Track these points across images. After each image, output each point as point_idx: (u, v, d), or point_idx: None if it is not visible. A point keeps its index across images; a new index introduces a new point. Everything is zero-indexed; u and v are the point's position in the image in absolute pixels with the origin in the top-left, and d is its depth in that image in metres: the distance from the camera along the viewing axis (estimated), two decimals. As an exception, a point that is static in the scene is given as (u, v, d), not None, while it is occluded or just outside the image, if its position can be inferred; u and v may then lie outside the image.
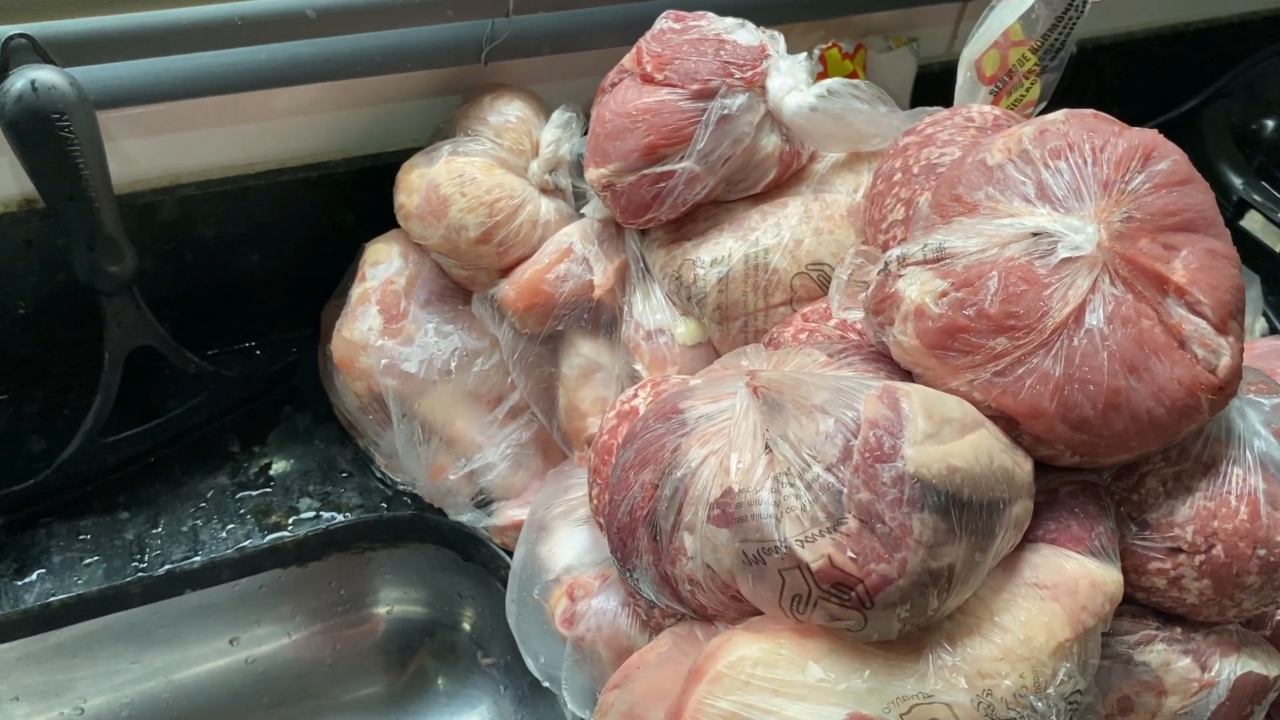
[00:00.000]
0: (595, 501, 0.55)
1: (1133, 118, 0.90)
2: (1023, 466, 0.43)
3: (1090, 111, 0.49)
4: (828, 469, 0.40)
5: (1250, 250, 0.84)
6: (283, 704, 0.71)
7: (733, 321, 0.60)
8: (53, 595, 0.62)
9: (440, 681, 0.72)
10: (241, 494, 0.68)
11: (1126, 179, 0.45)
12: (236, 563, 0.66)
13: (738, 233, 0.60)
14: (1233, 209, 0.86)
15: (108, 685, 0.68)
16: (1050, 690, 0.40)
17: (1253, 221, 0.86)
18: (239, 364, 0.73)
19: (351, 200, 0.71)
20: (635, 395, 0.57)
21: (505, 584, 0.64)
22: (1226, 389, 0.45)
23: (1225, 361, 0.44)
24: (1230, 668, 0.47)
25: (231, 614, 0.69)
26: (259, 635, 0.70)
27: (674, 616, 0.47)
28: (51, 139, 0.54)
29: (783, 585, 0.40)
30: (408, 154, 0.66)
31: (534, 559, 0.60)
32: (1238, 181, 0.86)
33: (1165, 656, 0.47)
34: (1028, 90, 0.63)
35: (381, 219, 0.68)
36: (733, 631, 0.41)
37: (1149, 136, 0.47)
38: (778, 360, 0.49)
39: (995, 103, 0.64)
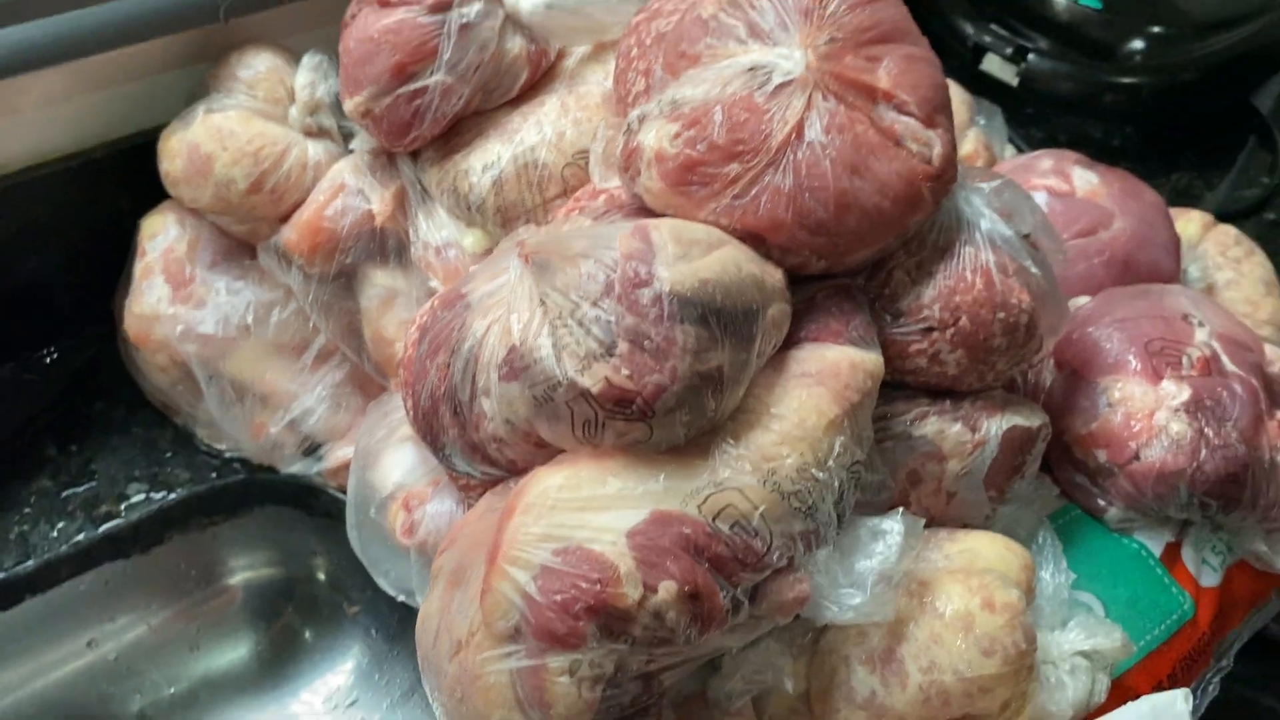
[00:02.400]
0: (410, 408, 0.57)
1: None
2: (772, 274, 0.47)
3: (785, -47, 0.53)
4: (594, 304, 0.42)
5: (991, 87, 0.91)
6: (155, 692, 0.71)
7: (515, 222, 0.62)
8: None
9: (308, 635, 0.73)
10: (66, 492, 0.67)
11: (824, 5, 0.49)
12: (74, 558, 0.65)
13: (503, 136, 0.63)
14: (970, 54, 0.93)
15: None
16: (830, 462, 0.44)
17: (990, 63, 0.93)
18: (39, 371, 0.72)
19: (123, 184, 0.70)
20: (431, 307, 0.59)
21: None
22: (943, 176, 0.49)
23: (938, 151, 0.49)
24: (997, 425, 0.52)
25: (83, 615, 0.69)
26: (116, 630, 0.70)
27: (493, 485, 0.50)
28: None
29: (573, 416, 0.42)
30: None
31: (366, 484, 0.61)
32: (970, 29, 0.93)
33: (939, 426, 0.51)
34: (743, -43, 0.67)
35: (159, 197, 0.68)
36: (536, 470, 0.44)
37: (838, -35, 0.51)
38: (548, 230, 0.51)
39: (718, -24, 0.67)
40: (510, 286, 0.47)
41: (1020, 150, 0.88)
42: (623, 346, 0.42)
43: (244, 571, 0.72)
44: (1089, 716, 0.48)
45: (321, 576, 0.73)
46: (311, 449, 0.67)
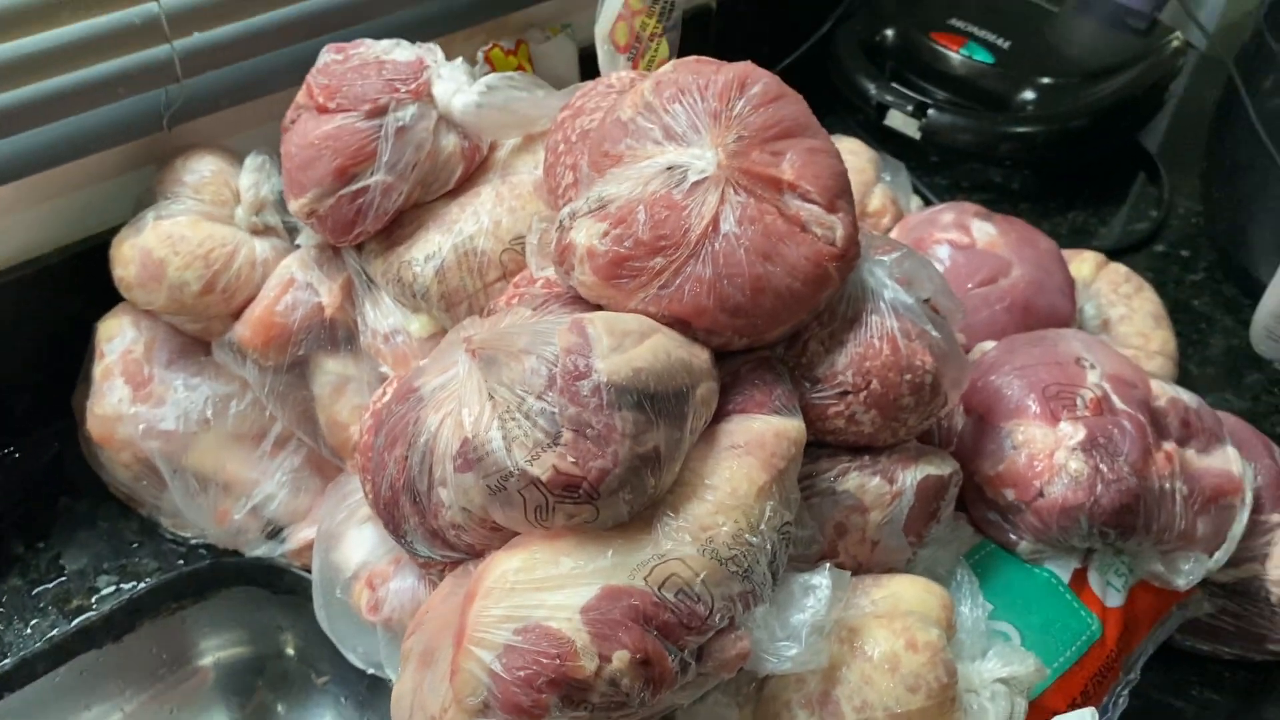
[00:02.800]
0: (370, 496, 0.61)
1: (776, 53, 1.01)
2: (699, 356, 0.51)
3: (693, 58, 0.58)
4: (539, 397, 0.47)
5: (896, 142, 0.97)
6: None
7: (458, 306, 0.66)
8: None
9: (281, 709, 0.75)
10: (37, 589, 0.69)
11: (730, 107, 0.54)
12: (49, 654, 0.67)
13: (442, 227, 0.67)
14: (874, 111, 1.00)
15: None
16: (762, 526, 0.49)
17: (894, 119, 0.99)
18: (2, 470, 0.74)
19: (77, 287, 0.73)
20: (384, 393, 0.63)
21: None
22: (847, 255, 0.54)
23: (841, 233, 0.54)
24: (912, 476, 0.57)
25: (60, 707, 0.71)
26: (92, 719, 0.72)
27: (454, 567, 0.54)
28: None
29: (525, 502, 0.47)
30: (118, 230, 0.70)
31: (330, 565, 0.65)
32: (874, 89, 0.99)
33: (860, 480, 0.56)
34: (656, 50, 0.72)
35: (111, 298, 0.71)
36: (493, 554, 0.48)
37: (742, 68, 0.56)
38: (491, 324, 0.56)
39: (634, 67, 0.73)
40: (460, 380, 0.51)
41: (926, 199, 0.94)
42: (567, 435, 0.46)
43: (215, 652, 0.75)
44: (1009, 739, 0.53)
45: (290, 651, 0.76)
46: (274, 532, 0.70)
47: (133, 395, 0.67)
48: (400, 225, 0.68)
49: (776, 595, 0.50)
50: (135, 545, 0.72)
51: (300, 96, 0.67)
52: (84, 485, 0.74)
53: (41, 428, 0.76)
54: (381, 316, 0.68)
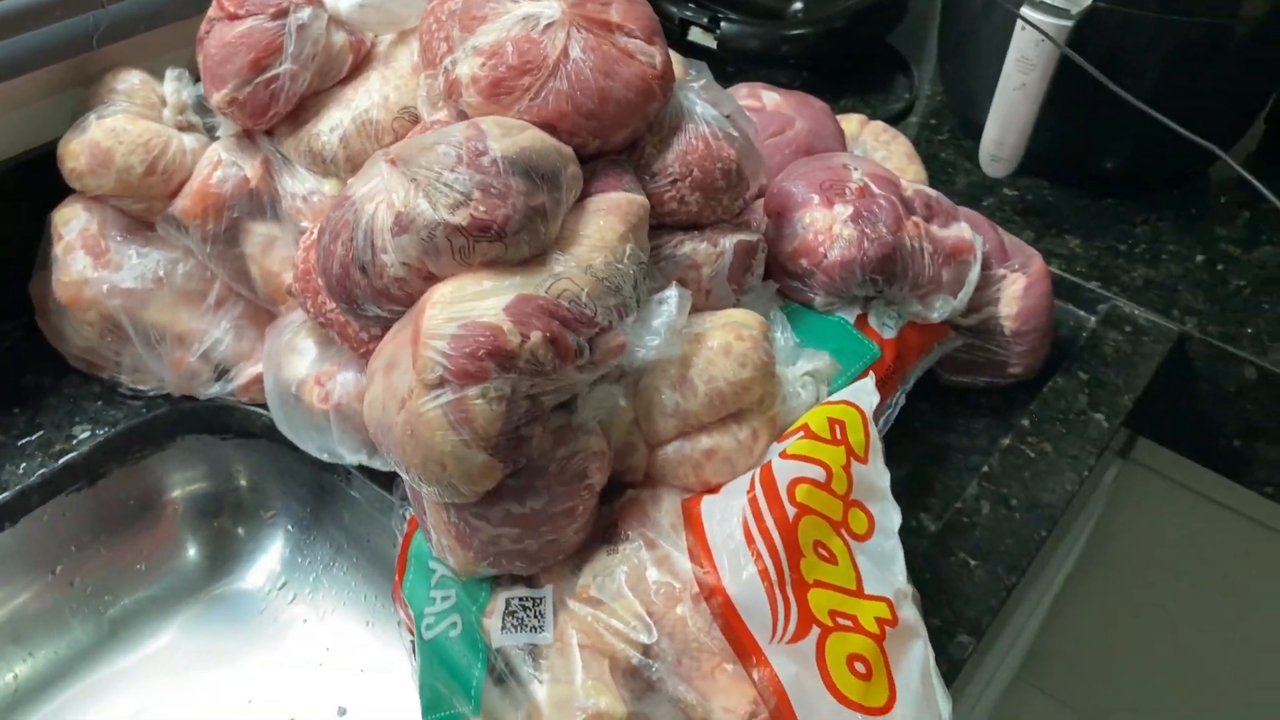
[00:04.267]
0: (324, 282, 0.76)
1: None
2: (564, 149, 0.69)
3: (533, -58, 0.76)
4: (451, 170, 0.64)
5: (698, 53, 1.18)
6: (118, 603, 0.85)
7: (361, 167, 0.82)
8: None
9: (241, 533, 0.89)
10: (21, 441, 0.81)
11: (566, -28, 0.72)
12: (40, 487, 0.79)
13: (341, 105, 0.82)
14: (679, 29, 1.20)
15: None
16: (625, 259, 0.67)
17: (694, 34, 1.20)
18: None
19: (22, 195, 0.85)
20: (310, 233, 0.78)
21: (262, 440, 0.84)
22: (665, 76, 0.73)
23: (659, 59, 0.73)
24: (730, 240, 0.76)
25: (48, 544, 0.83)
26: (76, 557, 0.84)
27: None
28: None
29: (451, 247, 0.63)
30: (55, 142, 0.82)
31: (281, 381, 0.80)
32: (675, 9, 1.20)
33: (692, 246, 0.75)
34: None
35: (53, 201, 0.83)
36: (431, 288, 0.64)
37: (571, -54, 0.74)
38: (403, 142, 0.72)
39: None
40: (384, 180, 0.67)
41: (726, 91, 1.14)
42: (477, 194, 0.63)
43: (178, 488, 0.88)
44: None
45: (244, 483, 0.89)
46: (223, 373, 0.84)
47: (94, 263, 0.81)
48: (304, 109, 0.84)
49: (640, 311, 0.68)
50: (100, 403, 0.85)
51: (211, 10, 0.82)
52: (45, 364, 0.86)
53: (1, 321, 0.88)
54: (298, 183, 0.83)
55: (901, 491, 0.71)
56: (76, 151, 0.80)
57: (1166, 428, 1.04)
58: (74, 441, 0.82)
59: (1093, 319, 0.98)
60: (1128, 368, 0.92)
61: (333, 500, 0.87)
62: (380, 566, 0.86)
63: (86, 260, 0.81)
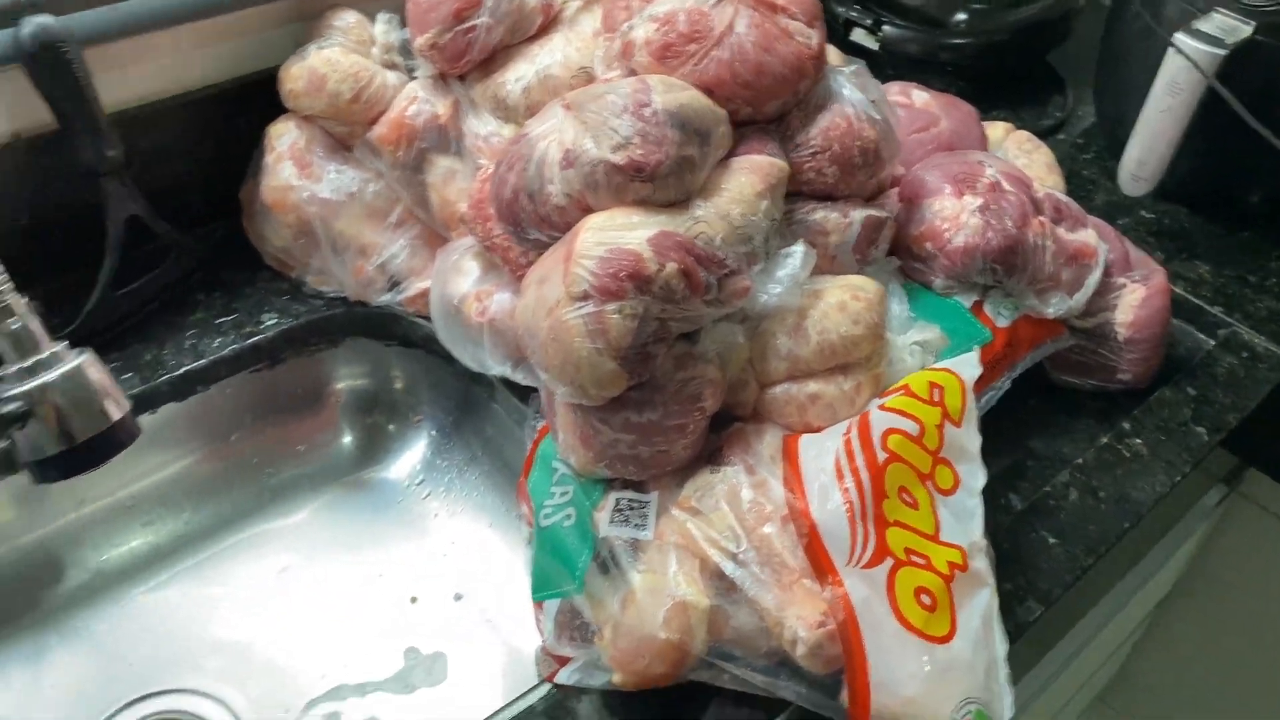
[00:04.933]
0: (481, 234, 0.86)
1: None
2: (718, 110, 0.77)
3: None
4: (617, 117, 0.72)
5: (859, 54, 1.24)
6: (278, 475, 0.97)
7: (536, 117, 0.92)
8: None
9: (391, 428, 1.00)
10: (219, 320, 0.94)
11: (741, -45, 0.80)
12: (230, 361, 0.92)
13: (527, 60, 0.92)
14: (842, 29, 1.26)
15: (130, 476, 0.93)
16: (759, 214, 0.74)
17: (857, 34, 1.26)
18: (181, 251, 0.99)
19: (244, 109, 0.98)
20: (486, 168, 0.88)
21: (420, 350, 0.94)
22: (819, 57, 0.80)
23: (815, 41, 0.80)
24: (860, 214, 0.82)
25: (228, 413, 0.95)
26: (248, 430, 0.96)
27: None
28: (61, 63, 0.79)
29: (608, 182, 0.72)
30: (277, 68, 0.95)
31: (445, 295, 0.90)
32: (841, 9, 1.26)
33: (824, 214, 0.82)
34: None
35: (269, 118, 0.96)
36: (586, 217, 0.73)
37: (748, -68, 0.82)
38: (577, 91, 0.81)
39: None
40: (557, 123, 0.76)
41: (880, 88, 1.20)
42: (636, 139, 0.71)
43: (343, 382, 0.99)
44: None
45: (399, 386, 1.00)
46: (394, 284, 0.95)
47: (299, 173, 0.92)
48: (494, 60, 0.94)
49: (768, 263, 0.75)
50: (287, 297, 0.97)
51: (424, -37, 0.93)
52: (245, 260, 0.99)
53: (211, 220, 1.01)
54: (481, 125, 0.93)
55: (994, 475, 0.75)
56: (296, 75, 0.92)
57: (1277, 460, 1.05)
58: (261, 327, 0.94)
59: (1211, 342, 1.00)
60: (1238, 389, 0.94)
61: (475, 412, 0.97)
62: (507, 476, 0.96)
63: (293, 170, 0.92)
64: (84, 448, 0.61)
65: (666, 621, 0.66)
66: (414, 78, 0.96)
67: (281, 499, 0.97)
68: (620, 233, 0.70)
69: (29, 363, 0.61)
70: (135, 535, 0.92)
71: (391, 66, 0.96)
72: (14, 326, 0.60)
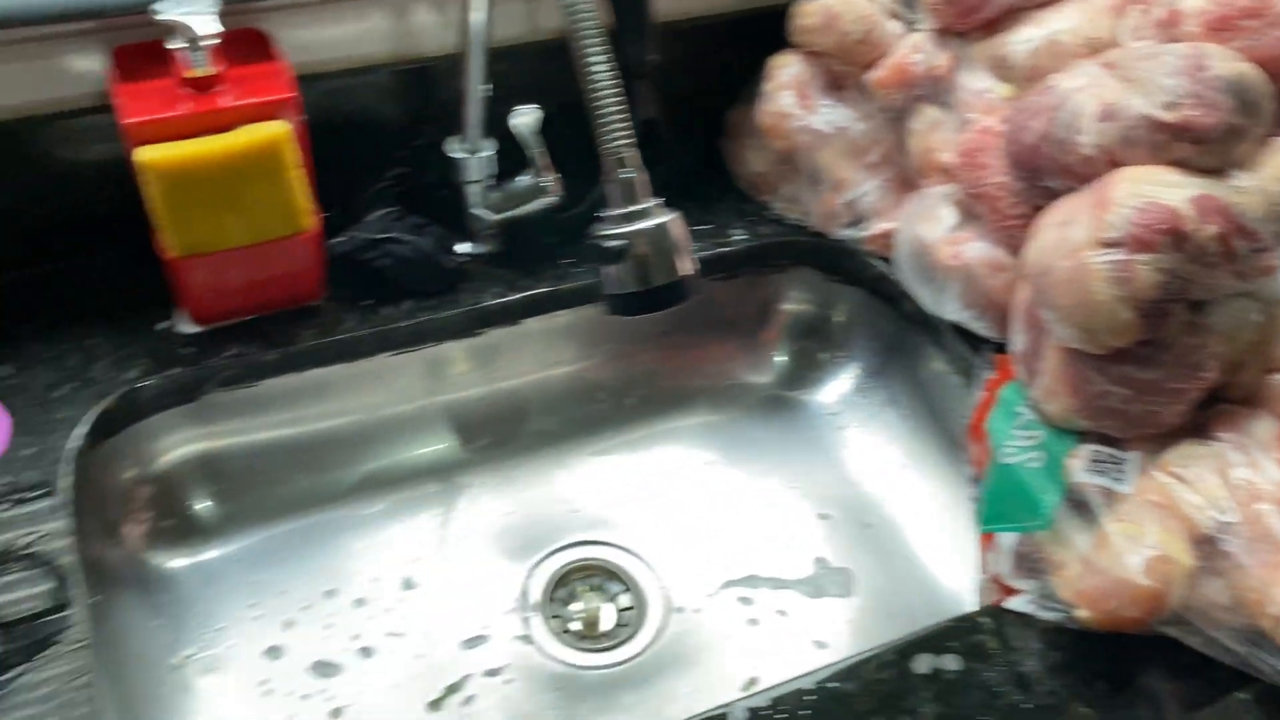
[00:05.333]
0: (969, 181, 0.88)
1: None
2: (1271, 87, 0.76)
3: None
4: (1168, 78, 0.73)
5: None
6: (710, 385, 1.05)
7: (1037, 80, 0.93)
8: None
9: (821, 357, 1.05)
10: (694, 228, 1.02)
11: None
12: (711, 262, 0.99)
13: (1036, 24, 0.93)
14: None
15: (596, 355, 1.02)
16: (1298, 197, 0.73)
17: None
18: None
19: (747, 40, 1.04)
20: (976, 121, 0.91)
21: (865, 288, 0.98)
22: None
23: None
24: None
25: (675, 318, 1.02)
26: (693, 336, 1.04)
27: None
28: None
29: (1148, 139, 0.72)
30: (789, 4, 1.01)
31: (914, 235, 0.93)
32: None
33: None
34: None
35: (767, 51, 1.02)
36: (1120, 170, 0.74)
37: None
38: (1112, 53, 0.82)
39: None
40: (1094, 79, 0.78)
41: None
42: (1189, 100, 0.72)
43: (789, 304, 1.05)
44: None
45: (838, 319, 1.05)
46: (857, 221, 1.00)
47: (798, 103, 0.98)
48: (1001, 21, 0.96)
49: (1299, 247, 0.73)
50: (753, 219, 1.03)
51: (953, -78, 0.96)
52: (716, 179, 1.06)
53: (689, 139, 1.09)
54: (976, 81, 0.96)
55: None
56: (811, 11, 0.98)
57: None
58: (730, 239, 1.01)
59: None
60: None
61: (904, 357, 1.00)
62: (929, 421, 0.98)
63: (792, 99, 0.98)
64: (654, 292, 0.69)
65: (1149, 569, 0.67)
66: (913, 30, 1.00)
67: (713, 400, 1.04)
68: (1160, 189, 0.71)
69: (630, 210, 0.69)
70: (586, 406, 1.02)
71: (894, 17, 1.00)
72: (625, 176, 0.69)
